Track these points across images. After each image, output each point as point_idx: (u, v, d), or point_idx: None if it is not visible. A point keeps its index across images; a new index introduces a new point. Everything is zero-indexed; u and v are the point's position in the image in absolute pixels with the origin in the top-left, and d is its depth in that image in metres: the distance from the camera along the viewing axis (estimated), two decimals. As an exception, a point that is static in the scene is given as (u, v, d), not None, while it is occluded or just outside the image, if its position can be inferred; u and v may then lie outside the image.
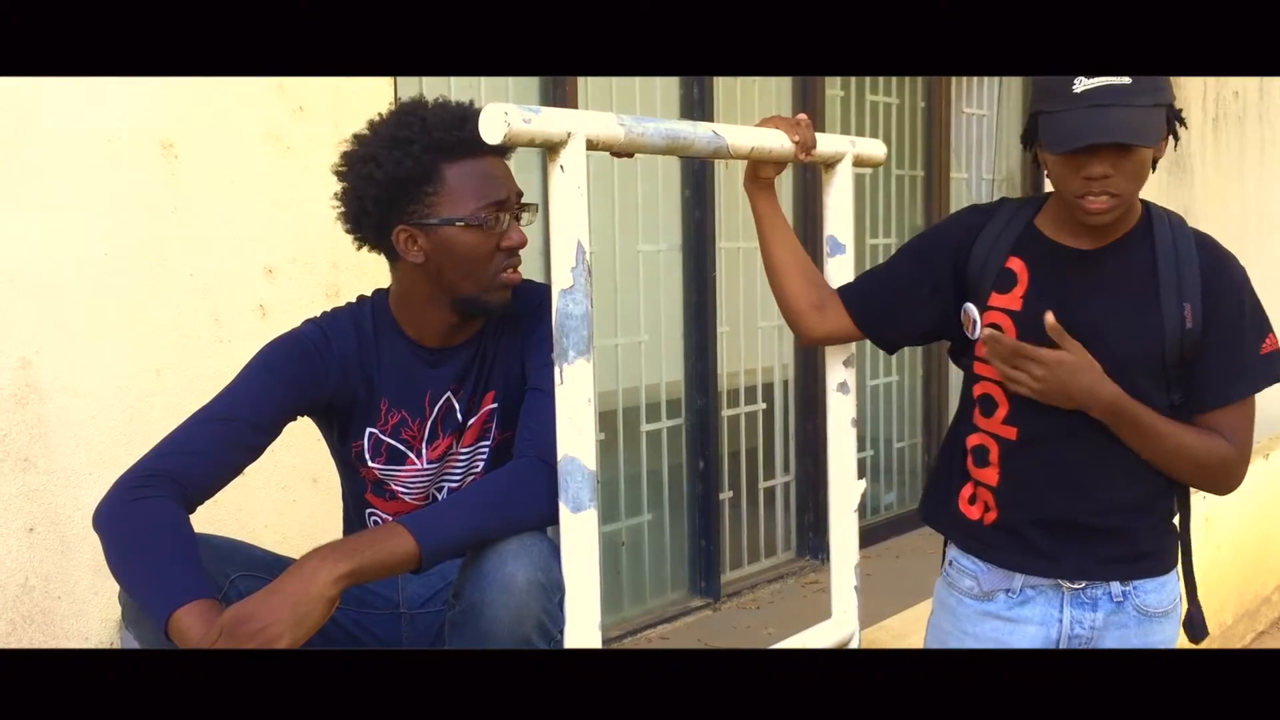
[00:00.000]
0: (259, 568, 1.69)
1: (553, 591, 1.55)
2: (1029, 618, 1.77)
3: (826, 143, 1.94)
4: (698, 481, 3.79)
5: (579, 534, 1.51)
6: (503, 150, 1.73)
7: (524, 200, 1.78)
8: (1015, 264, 1.74)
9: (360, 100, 2.61)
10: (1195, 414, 1.71)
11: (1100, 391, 1.65)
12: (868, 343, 1.93)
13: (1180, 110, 1.69)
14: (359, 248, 1.82)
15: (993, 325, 1.73)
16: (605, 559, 3.55)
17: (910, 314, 1.85)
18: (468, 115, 1.72)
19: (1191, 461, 1.70)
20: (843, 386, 2.06)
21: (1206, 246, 1.71)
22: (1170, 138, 1.68)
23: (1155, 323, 1.67)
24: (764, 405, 4.09)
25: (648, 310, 3.65)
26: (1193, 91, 5.22)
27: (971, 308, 1.77)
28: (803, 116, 1.89)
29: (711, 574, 3.80)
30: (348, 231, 1.80)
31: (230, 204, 2.46)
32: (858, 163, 2.05)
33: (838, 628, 2.05)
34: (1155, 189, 5.30)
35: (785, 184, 4.11)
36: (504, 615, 1.54)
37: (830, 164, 2.01)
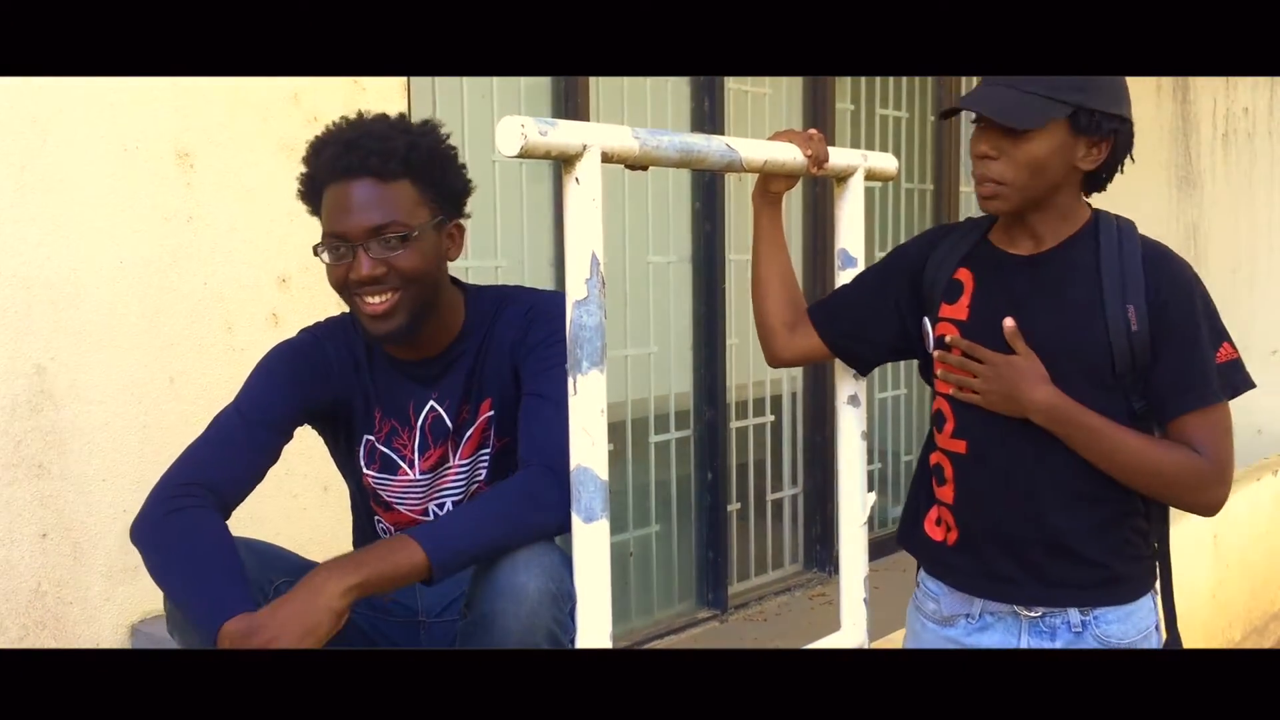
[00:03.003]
0: (298, 574, 1.70)
1: (564, 601, 1.55)
2: (987, 645, 1.73)
3: (839, 156, 1.95)
4: (706, 493, 3.79)
5: (591, 544, 1.51)
6: (378, 171, 1.65)
7: (410, 223, 1.65)
8: (963, 274, 1.74)
9: (374, 110, 2.62)
10: (1162, 425, 1.64)
11: (1039, 395, 1.61)
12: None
13: (1124, 120, 1.63)
14: None
15: (942, 336, 1.73)
16: (613, 570, 3.54)
17: (875, 332, 1.85)
18: (341, 139, 1.69)
19: (1153, 472, 1.61)
20: (853, 399, 2.07)
21: (1154, 250, 1.66)
22: (1108, 151, 1.63)
23: (1099, 325, 1.62)
24: (772, 417, 4.09)
25: (657, 322, 3.65)
26: (1203, 108, 5.22)
27: (927, 322, 1.77)
28: (814, 131, 1.91)
29: (719, 585, 3.79)
30: None
31: (244, 213, 2.48)
32: (870, 176, 2.06)
33: (846, 640, 2.05)
34: (1164, 204, 5.29)
35: (796, 197, 4.11)
36: (515, 625, 1.54)
37: (842, 177, 2.02)
